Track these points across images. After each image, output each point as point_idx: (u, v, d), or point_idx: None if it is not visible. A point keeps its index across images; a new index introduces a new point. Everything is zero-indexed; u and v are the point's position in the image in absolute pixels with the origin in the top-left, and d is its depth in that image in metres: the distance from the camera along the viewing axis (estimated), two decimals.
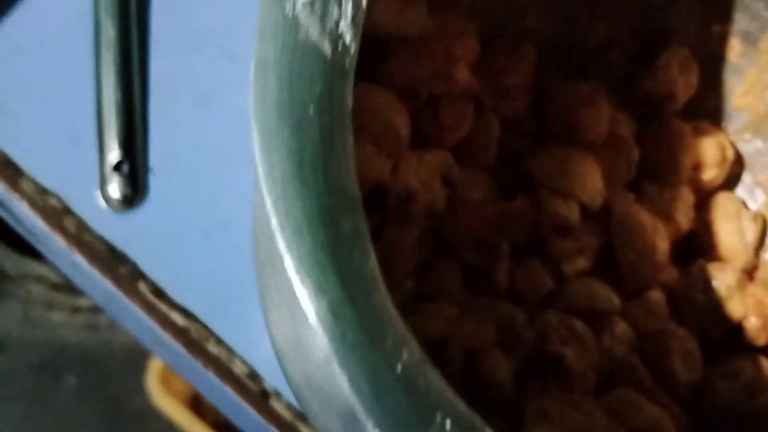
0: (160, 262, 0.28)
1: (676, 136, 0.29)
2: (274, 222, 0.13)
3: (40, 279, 0.71)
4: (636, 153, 0.29)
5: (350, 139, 0.14)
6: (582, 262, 0.27)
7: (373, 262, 0.14)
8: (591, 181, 0.27)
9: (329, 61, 0.14)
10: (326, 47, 0.14)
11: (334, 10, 0.15)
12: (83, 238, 0.28)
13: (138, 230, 0.29)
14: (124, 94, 0.30)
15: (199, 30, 0.31)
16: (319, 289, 0.13)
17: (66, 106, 0.30)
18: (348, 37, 0.15)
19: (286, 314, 0.16)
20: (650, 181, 0.29)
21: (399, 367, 0.13)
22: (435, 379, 0.14)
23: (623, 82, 0.30)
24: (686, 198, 0.29)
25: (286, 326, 0.18)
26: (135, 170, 0.29)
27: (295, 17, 0.14)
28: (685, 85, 0.29)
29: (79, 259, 0.28)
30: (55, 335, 0.71)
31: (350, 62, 0.15)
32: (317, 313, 0.13)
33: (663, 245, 0.27)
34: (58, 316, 0.71)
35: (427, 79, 0.25)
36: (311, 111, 0.14)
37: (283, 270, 0.13)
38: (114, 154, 0.29)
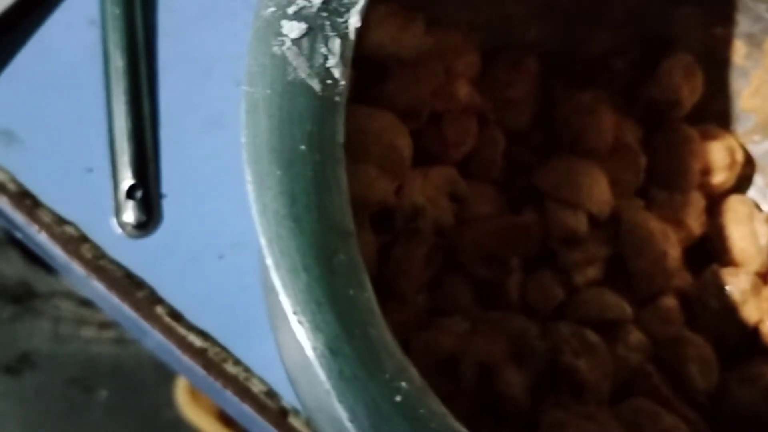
0: (177, 285, 0.29)
1: (683, 141, 0.29)
2: (269, 261, 0.13)
3: (68, 295, 0.72)
4: (643, 160, 0.28)
5: (343, 173, 0.15)
6: (592, 272, 0.27)
7: (369, 293, 0.14)
8: (598, 190, 0.27)
9: (319, 97, 0.15)
10: (315, 84, 0.15)
11: (321, 48, 0.15)
12: (101, 264, 0.29)
13: (154, 255, 0.29)
14: (135, 122, 0.30)
15: (205, 56, 0.32)
16: (316, 327, 0.13)
17: (80, 136, 0.31)
18: (337, 73, 0.15)
19: (291, 340, 0.17)
20: (659, 186, 0.29)
21: (398, 398, 0.13)
22: (436, 406, 0.14)
23: (627, 90, 0.30)
24: (697, 203, 0.29)
25: (294, 351, 0.18)
26: (148, 196, 0.30)
27: (282, 57, 0.15)
28: (690, 90, 0.29)
29: (98, 285, 0.29)
30: (85, 350, 0.72)
31: (341, 95, 0.15)
32: (314, 350, 0.13)
33: (674, 251, 0.27)
34: (87, 332, 0.72)
35: (427, 98, 0.26)
36: (303, 149, 0.14)
37: (281, 305, 0.14)
38: (127, 182, 0.30)
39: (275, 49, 0.15)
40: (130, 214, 0.29)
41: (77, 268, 0.29)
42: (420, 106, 0.25)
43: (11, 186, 0.30)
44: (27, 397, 0.70)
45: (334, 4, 0.15)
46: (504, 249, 0.26)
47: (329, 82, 0.15)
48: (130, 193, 0.29)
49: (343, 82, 0.15)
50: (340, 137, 0.15)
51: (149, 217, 0.29)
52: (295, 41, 0.15)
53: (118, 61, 0.31)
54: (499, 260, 0.26)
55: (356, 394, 0.13)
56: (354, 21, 0.15)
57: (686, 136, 0.29)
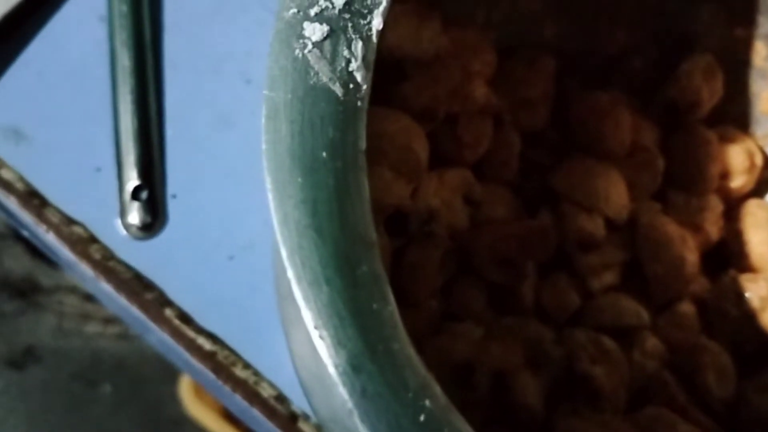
0: (186, 287, 0.28)
1: (701, 143, 0.28)
2: (290, 273, 0.13)
3: (72, 290, 0.72)
4: (661, 162, 0.28)
5: (365, 181, 0.14)
6: (609, 277, 0.26)
7: (392, 306, 0.14)
8: (615, 193, 0.27)
9: (341, 102, 0.14)
10: (337, 89, 0.14)
11: (344, 51, 0.15)
12: (109, 265, 0.28)
13: (162, 256, 0.29)
14: (141, 121, 0.30)
15: (214, 54, 0.31)
16: (338, 342, 0.13)
17: (89, 134, 0.30)
18: (359, 77, 0.15)
19: (308, 350, 0.16)
20: (677, 190, 0.28)
21: (422, 417, 0.13)
22: (460, 424, 0.14)
23: (645, 90, 0.29)
24: (715, 207, 0.28)
25: (309, 361, 0.18)
26: (154, 197, 0.29)
27: (304, 60, 0.14)
28: (709, 92, 0.28)
29: (106, 286, 0.28)
30: (89, 345, 0.72)
31: (363, 100, 0.15)
32: (336, 367, 0.13)
33: (692, 257, 0.27)
34: (91, 327, 0.72)
35: (444, 99, 0.25)
36: (324, 156, 0.14)
37: (302, 318, 0.13)
38: (133, 182, 0.29)
39: (297, 52, 0.14)
40: (135, 216, 0.29)
41: (86, 269, 0.28)
42: (436, 107, 0.25)
43: (19, 185, 0.29)
44: (31, 391, 0.69)
45: (356, 6, 0.15)
46: (519, 253, 0.25)
47: (351, 86, 0.15)
48: (136, 194, 0.29)
49: (365, 87, 0.15)
50: (362, 144, 0.14)
51: (155, 219, 0.29)
52: (317, 44, 0.15)
53: (124, 60, 0.31)
54: (513, 265, 0.25)
55: (379, 413, 0.12)
56: (377, 23, 0.15)
57: (705, 139, 0.28)
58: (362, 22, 0.15)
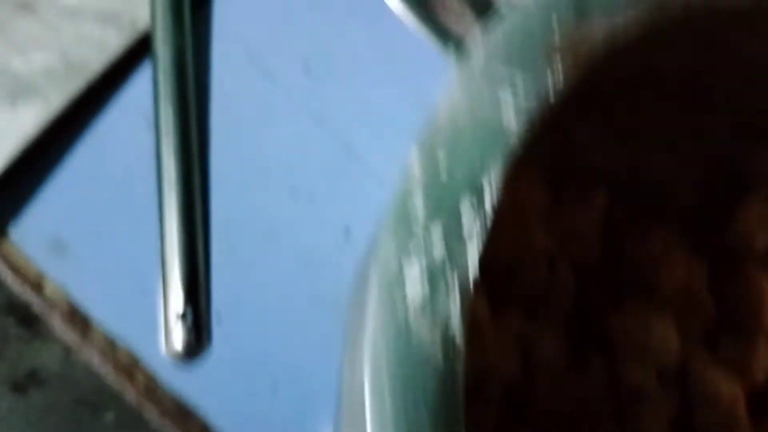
0: (229, 415, 0.28)
1: (754, 287, 0.28)
2: None
3: None
4: (712, 307, 0.28)
5: None
6: (660, 429, 0.26)
7: None
8: (668, 342, 0.27)
9: (441, 368, 0.14)
10: (438, 354, 0.14)
11: (445, 309, 0.14)
12: (153, 392, 0.28)
13: (205, 381, 0.29)
14: (187, 237, 0.30)
15: (261, 163, 0.31)
16: None
17: (134, 249, 0.30)
18: (458, 337, 0.14)
19: None
20: (726, 333, 0.28)
21: None
22: None
23: (697, 227, 0.29)
24: (763, 349, 0.28)
25: None
26: (199, 319, 0.29)
27: (406, 323, 0.14)
28: (764, 237, 0.28)
29: (150, 413, 0.28)
30: (95, 372, 0.71)
31: (460, 361, 0.14)
32: None
33: (740, 406, 0.27)
34: (98, 357, 0.71)
35: (503, 251, 0.25)
36: (426, 426, 0.14)
37: None
38: (178, 304, 0.29)
39: (399, 312, 0.14)
40: (179, 338, 0.28)
41: (130, 394, 0.28)
42: (496, 260, 0.25)
43: (62, 303, 0.29)
44: (34, 415, 0.69)
45: (455, 256, 0.15)
46: (575, 409, 0.25)
47: (451, 350, 0.14)
48: (181, 317, 0.29)
49: (461, 346, 0.15)
50: (460, 402, 0.14)
51: (199, 341, 0.29)
52: (419, 305, 0.14)
53: (171, 170, 0.30)
54: (569, 419, 0.25)
55: None
56: (473, 272, 0.15)
57: (757, 283, 0.28)
58: (461, 272, 0.15)
